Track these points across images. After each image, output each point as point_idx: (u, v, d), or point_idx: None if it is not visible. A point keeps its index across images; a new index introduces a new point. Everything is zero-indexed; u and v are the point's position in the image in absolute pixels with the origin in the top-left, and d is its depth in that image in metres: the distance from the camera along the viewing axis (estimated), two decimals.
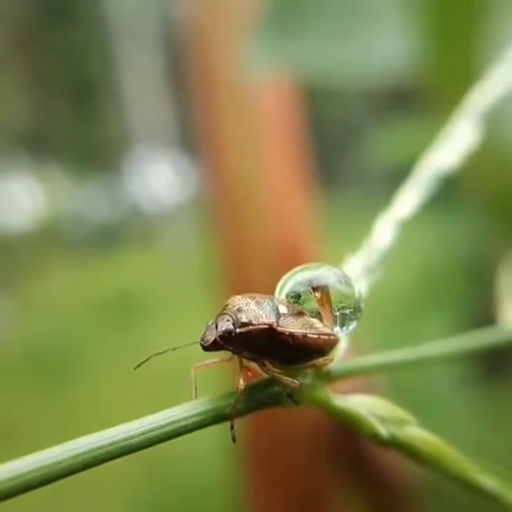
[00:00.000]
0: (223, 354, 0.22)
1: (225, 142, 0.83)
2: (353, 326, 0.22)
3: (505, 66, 0.26)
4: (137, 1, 5.13)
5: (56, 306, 3.04)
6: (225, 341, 0.21)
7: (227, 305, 0.22)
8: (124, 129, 5.21)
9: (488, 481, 0.20)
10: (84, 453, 0.18)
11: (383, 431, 0.20)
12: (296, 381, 0.20)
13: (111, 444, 0.18)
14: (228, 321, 0.21)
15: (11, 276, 3.33)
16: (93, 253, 3.98)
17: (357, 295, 0.22)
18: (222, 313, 0.21)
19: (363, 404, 0.20)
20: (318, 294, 0.22)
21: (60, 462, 0.18)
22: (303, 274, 0.22)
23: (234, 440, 0.21)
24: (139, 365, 0.23)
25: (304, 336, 0.21)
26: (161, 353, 0.23)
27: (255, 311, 0.21)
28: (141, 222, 4.74)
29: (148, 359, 0.23)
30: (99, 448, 0.18)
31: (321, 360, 0.21)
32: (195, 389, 0.21)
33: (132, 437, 0.18)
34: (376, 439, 0.20)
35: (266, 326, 0.21)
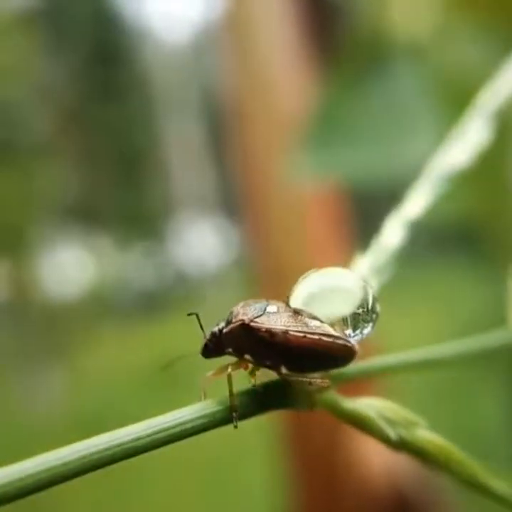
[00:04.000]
0: (232, 363, 0.22)
1: (266, 208, 0.84)
2: (368, 329, 0.21)
3: None
4: (179, 73, 5.30)
5: (104, 375, 3.05)
6: (215, 344, 0.22)
7: (231, 312, 0.22)
8: (167, 196, 5.31)
9: (497, 484, 0.19)
10: (91, 454, 0.18)
11: (392, 433, 0.20)
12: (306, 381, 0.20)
13: (119, 445, 0.19)
14: (217, 324, 0.22)
15: (60, 346, 3.36)
16: (139, 319, 4.01)
17: (370, 295, 0.21)
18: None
19: (372, 407, 0.20)
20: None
21: (67, 463, 0.18)
22: (312, 277, 0.22)
23: (235, 426, 0.20)
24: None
25: (285, 332, 0.21)
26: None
27: (240, 311, 0.21)
28: (186, 287, 4.77)
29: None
30: (107, 449, 0.18)
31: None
32: (204, 393, 0.21)
33: (139, 439, 0.19)
34: (385, 441, 0.20)
35: (239, 322, 0.21)
